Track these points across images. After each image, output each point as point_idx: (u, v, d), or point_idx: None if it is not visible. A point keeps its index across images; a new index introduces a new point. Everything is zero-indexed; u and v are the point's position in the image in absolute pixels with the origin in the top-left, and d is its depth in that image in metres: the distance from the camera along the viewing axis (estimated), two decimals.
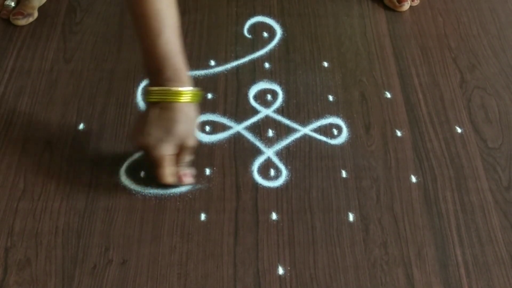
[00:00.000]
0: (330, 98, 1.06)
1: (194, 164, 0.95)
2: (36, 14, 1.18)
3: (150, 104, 0.87)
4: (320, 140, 1.00)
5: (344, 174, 0.96)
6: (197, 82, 1.08)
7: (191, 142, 0.88)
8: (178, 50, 0.87)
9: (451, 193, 0.94)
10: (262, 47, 1.14)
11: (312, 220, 0.90)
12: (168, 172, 0.89)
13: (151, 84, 0.87)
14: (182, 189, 0.92)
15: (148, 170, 0.92)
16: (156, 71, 0.86)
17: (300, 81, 1.09)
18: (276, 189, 0.94)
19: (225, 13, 1.21)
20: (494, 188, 0.94)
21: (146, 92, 0.88)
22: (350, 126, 1.02)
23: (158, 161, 0.87)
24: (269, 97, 1.06)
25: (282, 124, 1.02)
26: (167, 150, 0.87)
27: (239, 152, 0.98)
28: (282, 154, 0.98)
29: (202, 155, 0.97)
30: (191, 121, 0.87)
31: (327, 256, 0.86)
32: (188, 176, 0.91)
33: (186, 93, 0.85)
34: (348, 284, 0.84)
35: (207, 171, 0.95)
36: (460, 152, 0.99)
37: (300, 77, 1.09)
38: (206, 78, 1.09)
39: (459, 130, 1.02)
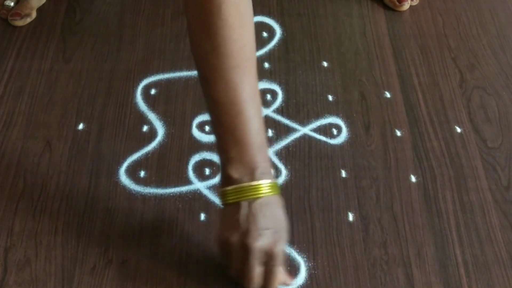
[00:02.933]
0: (330, 98, 1.06)
1: (197, 164, 0.95)
2: (34, 15, 1.18)
3: (235, 204, 0.77)
4: (319, 140, 1.00)
5: (343, 174, 0.96)
6: (196, 81, 1.07)
7: (288, 235, 0.80)
8: (266, 140, 0.80)
9: (451, 192, 0.94)
10: (262, 47, 1.14)
11: (311, 220, 0.90)
12: (281, 276, 0.80)
13: (228, 181, 0.77)
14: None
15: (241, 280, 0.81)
16: (251, 163, 0.77)
17: (299, 81, 1.09)
18: None
19: None
20: (494, 188, 0.94)
21: (224, 194, 0.78)
22: (349, 126, 1.02)
23: (278, 257, 0.77)
24: (268, 97, 1.06)
25: (282, 124, 1.02)
26: (284, 244, 0.78)
27: None
28: (282, 154, 0.98)
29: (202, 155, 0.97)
30: (284, 212, 0.79)
31: (327, 256, 0.86)
32: (291, 276, 0.83)
33: (266, 185, 0.77)
34: (348, 284, 0.84)
35: (207, 171, 0.95)
36: (459, 151, 0.99)
37: (300, 77, 1.09)
38: None
39: (458, 130, 1.02)
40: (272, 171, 0.80)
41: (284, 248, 0.78)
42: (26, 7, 1.18)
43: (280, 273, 0.79)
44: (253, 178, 0.76)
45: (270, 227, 0.76)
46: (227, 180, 0.78)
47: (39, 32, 1.16)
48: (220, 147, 0.79)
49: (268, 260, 0.77)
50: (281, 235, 0.77)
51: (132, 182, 0.94)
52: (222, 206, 0.79)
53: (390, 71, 1.10)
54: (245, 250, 0.76)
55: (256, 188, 0.76)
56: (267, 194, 0.77)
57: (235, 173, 0.77)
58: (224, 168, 0.78)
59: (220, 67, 0.75)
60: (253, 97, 0.77)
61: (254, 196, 0.76)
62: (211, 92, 0.77)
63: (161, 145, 0.99)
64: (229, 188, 0.77)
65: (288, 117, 1.03)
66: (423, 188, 0.94)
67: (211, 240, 0.87)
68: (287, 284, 0.81)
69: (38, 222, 0.89)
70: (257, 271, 0.77)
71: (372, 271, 0.85)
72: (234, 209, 0.77)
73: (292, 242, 0.87)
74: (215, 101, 0.77)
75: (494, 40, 1.17)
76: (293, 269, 0.85)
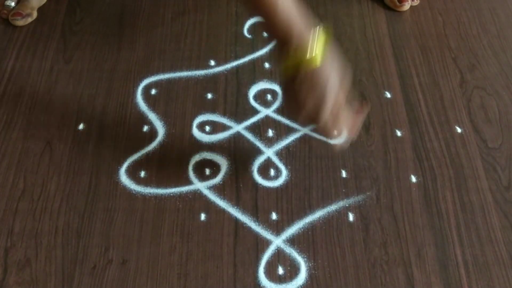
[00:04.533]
0: None
1: (197, 164, 0.96)
2: (35, 15, 1.18)
3: (289, 78, 0.83)
4: (320, 140, 1.00)
5: (344, 174, 0.96)
6: (197, 82, 1.08)
7: (344, 89, 0.85)
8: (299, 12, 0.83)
9: (451, 193, 0.94)
10: (262, 47, 1.14)
11: (312, 220, 0.90)
12: (344, 126, 0.86)
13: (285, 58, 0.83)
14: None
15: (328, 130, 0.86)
16: (284, 38, 0.82)
17: None
18: (276, 189, 0.94)
19: (225, 13, 1.21)
20: (494, 188, 0.94)
21: (283, 69, 0.84)
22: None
23: (339, 108, 0.84)
24: (269, 97, 1.06)
25: (282, 124, 1.02)
26: (331, 109, 0.83)
27: (239, 152, 0.98)
28: (282, 154, 0.98)
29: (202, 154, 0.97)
30: (332, 74, 0.84)
31: (327, 256, 0.86)
32: (359, 111, 0.89)
33: (311, 59, 0.82)
34: (348, 284, 0.84)
35: (207, 171, 0.95)
36: (460, 152, 0.99)
37: None
38: (206, 78, 1.09)
39: (459, 130, 1.02)
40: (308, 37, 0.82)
41: (331, 110, 0.82)
42: (27, 7, 1.18)
43: (337, 128, 0.85)
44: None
45: (307, 102, 0.82)
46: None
47: (40, 32, 1.16)
48: (281, 27, 0.82)
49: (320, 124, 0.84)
50: (322, 105, 0.82)
51: (132, 182, 0.94)
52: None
53: (390, 71, 1.10)
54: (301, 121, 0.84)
55: (296, 65, 0.81)
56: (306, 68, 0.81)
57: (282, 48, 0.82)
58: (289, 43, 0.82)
59: None
60: None
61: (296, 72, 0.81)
62: None
63: (162, 145, 0.99)
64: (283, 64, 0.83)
65: (289, 117, 1.03)
66: (423, 188, 0.94)
67: (211, 240, 0.88)
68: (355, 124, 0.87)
69: (38, 222, 0.89)
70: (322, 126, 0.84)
71: (372, 271, 0.85)
72: (286, 83, 0.84)
73: (292, 242, 0.88)
74: None
75: (495, 40, 1.17)
76: (293, 269, 0.85)
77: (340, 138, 0.90)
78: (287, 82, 0.84)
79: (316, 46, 0.83)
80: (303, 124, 0.89)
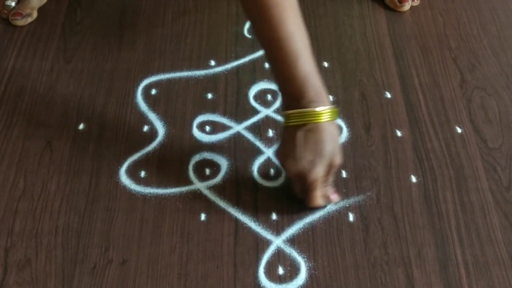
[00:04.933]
0: (330, 98, 1.06)
1: (197, 164, 0.96)
2: (35, 15, 1.19)
3: (290, 127, 0.85)
4: None
5: (344, 174, 0.96)
6: (197, 82, 1.08)
7: (338, 161, 0.86)
8: (316, 69, 0.85)
9: (451, 193, 0.94)
10: None
11: (312, 220, 0.90)
12: (320, 194, 0.87)
13: (288, 107, 0.85)
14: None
15: (294, 197, 0.90)
16: (297, 94, 0.83)
17: None
18: (276, 189, 0.94)
19: (225, 13, 1.21)
20: (494, 188, 0.94)
21: (285, 116, 0.85)
22: (350, 126, 1.02)
23: (313, 184, 0.85)
24: (269, 97, 1.06)
25: (282, 124, 1.02)
26: (320, 172, 0.85)
27: (239, 152, 0.98)
28: None
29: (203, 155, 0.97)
30: (336, 139, 0.86)
31: (327, 256, 0.86)
32: (336, 194, 0.90)
33: (325, 112, 0.84)
34: (348, 284, 0.84)
35: (207, 171, 0.95)
36: (460, 152, 0.99)
37: None
38: (206, 78, 1.09)
39: (459, 130, 1.02)
40: (325, 98, 0.84)
41: (319, 174, 0.84)
42: (27, 7, 1.18)
43: (316, 196, 0.86)
44: (299, 106, 0.83)
45: (306, 156, 0.83)
46: (281, 106, 0.88)
47: (40, 32, 1.16)
48: (273, 79, 0.88)
49: (304, 183, 0.86)
50: (317, 163, 0.84)
51: (132, 182, 0.94)
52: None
53: (390, 72, 1.10)
54: (286, 170, 0.87)
55: (304, 114, 0.83)
56: (317, 121, 0.83)
57: (285, 100, 0.86)
58: (281, 96, 0.87)
59: (262, 7, 0.81)
60: (297, 31, 0.82)
61: (305, 122, 0.83)
62: (257, 31, 0.86)
63: (162, 145, 0.99)
64: (287, 112, 0.85)
65: None
66: (423, 189, 0.94)
67: (211, 240, 0.88)
68: (331, 202, 0.89)
69: (39, 222, 0.89)
70: (297, 187, 0.88)
71: (373, 271, 0.85)
72: (286, 132, 0.86)
73: (293, 242, 0.88)
74: (262, 39, 0.85)
75: (495, 41, 1.17)
76: (293, 269, 0.85)
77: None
78: (287, 129, 0.86)
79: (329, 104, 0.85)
80: (290, 176, 0.88)
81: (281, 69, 0.84)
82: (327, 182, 0.88)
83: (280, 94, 0.87)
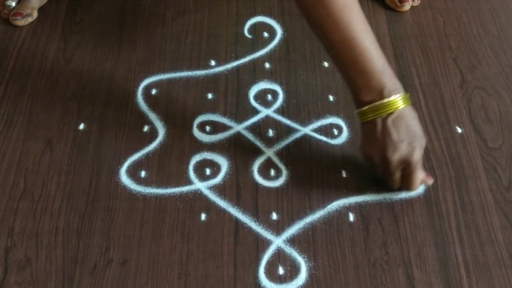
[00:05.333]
0: (331, 98, 1.06)
1: (197, 164, 0.96)
2: (35, 15, 1.19)
3: (373, 121, 0.87)
4: (320, 140, 1.00)
5: (344, 174, 0.96)
6: (197, 82, 1.08)
7: (425, 141, 0.89)
8: (386, 60, 0.89)
9: (451, 193, 0.94)
10: (263, 47, 1.14)
11: (312, 220, 0.90)
12: (421, 176, 0.90)
13: (367, 102, 0.87)
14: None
15: (391, 183, 0.92)
16: (378, 86, 0.86)
17: (300, 81, 1.09)
18: (276, 189, 0.94)
19: (225, 13, 1.21)
20: (494, 188, 0.94)
21: (371, 110, 0.87)
22: (350, 126, 1.02)
23: (416, 166, 0.88)
24: (269, 97, 1.06)
25: (283, 124, 1.02)
26: (420, 153, 0.88)
27: (239, 152, 0.98)
28: (283, 154, 0.98)
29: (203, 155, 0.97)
30: (418, 121, 0.89)
31: (327, 256, 0.86)
32: (429, 176, 0.93)
33: (405, 98, 0.88)
34: (348, 284, 0.84)
35: (207, 171, 0.95)
36: (460, 152, 0.99)
37: (301, 77, 1.09)
38: (207, 78, 1.09)
39: (459, 130, 1.02)
40: (400, 85, 0.88)
41: (420, 155, 0.88)
42: (27, 7, 1.18)
43: (418, 177, 0.90)
44: (382, 97, 0.86)
45: (404, 139, 0.86)
46: (361, 103, 0.88)
47: (40, 32, 1.16)
48: (347, 80, 0.89)
49: (406, 167, 0.88)
50: (415, 145, 0.87)
51: (132, 182, 0.94)
52: (361, 125, 0.91)
53: None
54: (385, 162, 0.88)
55: (387, 105, 0.86)
56: (398, 108, 0.86)
57: (366, 97, 0.87)
58: (355, 95, 0.89)
59: (329, 12, 0.85)
60: (364, 29, 0.87)
61: (387, 112, 0.86)
62: (327, 35, 0.87)
63: (162, 145, 0.99)
64: (364, 108, 0.87)
65: (289, 117, 1.03)
66: (423, 189, 0.94)
67: (211, 240, 0.88)
68: (427, 183, 0.93)
69: (39, 222, 0.89)
70: (397, 175, 0.90)
71: (373, 271, 0.85)
72: (371, 126, 0.88)
73: (293, 242, 0.88)
74: (332, 43, 0.87)
75: (495, 40, 1.17)
76: (293, 269, 0.85)
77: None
78: (374, 124, 0.87)
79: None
80: (392, 167, 0.89)
81: (358, 66, 0.86)
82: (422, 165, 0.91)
83: (353, 93, 0.89)
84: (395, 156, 0.87)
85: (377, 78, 0.86)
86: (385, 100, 0.86)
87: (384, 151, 0.87)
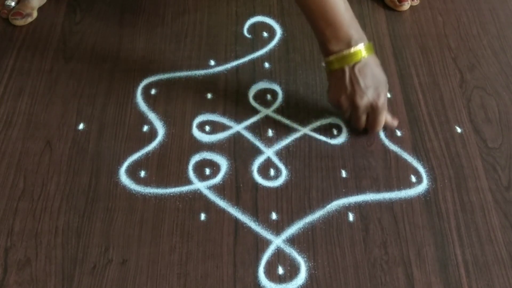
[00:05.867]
0: None
1: (197, 164, 0.96)
2: (35, 14, 1.19)
3: (340, 70, 0.94)
4: (320, 140, 1.00)
5: (344, 174, 0.96)
6: (197, 81, 1.08)
7: (388, 86, 0.96)
8: (352, 13, 0.95)
9: (451, 193, 0.94)
10: (262, 47, 1.14)
11: (312, 220, 0.90)
12: (385, 119, 0.98)
13: (334, 52, 0.93)
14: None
15: (354, 124, 0.98)
16: (345, 37, 0.92)
17: (300, 81, 1.09)
18: (276, 189, 0.94)
19: (225, 13, 1.21)
20: (494, 188, 0.94)
21: (338, 59, 0.93)
22: (350, 126, 1.02)
23: (381, 109, 0.95)
24: (269, 97, 1.06)
25: (282, 124, 1.02)
26: (384, 97, 0.95)
27: (239, 152, 0.98)
28: (282, 154, 0.98)
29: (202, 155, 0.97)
30: (381, 68, 0.96)
31: (327, 256, 0.86)
32: (394, 118, 1.00)
33: (370, 47, 0.94)
34: (348, 284, 0.84)
35: (207, 171, 0.95)
36: (460, 152, 0.99)
37: (300, 77, 1.09)
38: (206, 78, 1.09)
39: (459, 130, 1.02)
40: (364, 36, 0.94)
41: (384, 99, 0.95)
42: (27, 6, 1.18)
43: (382, 120, 0.97)
44: (350, 47, 0.92)
45: (370, 85, 0.93)
46: (328, 52, 0.94)
47: (40, 32, 1.16)
48: (316, 31, 0.95)
49: (372, 111, 0.95)
50: (380, 90, 0.94)
51: (132, 182, 0.94)
52: (327, 73, 0.97)
53: (390, 71, 1.10)
54: (352, 107, 0.95)
55: (354, 54, 0.92)
56: (364, 57, 0.93)
57: (335, 47, 0.93)
58: (324, 45, 0.95)
59: None
60: None
61: (354, 61, 0.93)
62: None
63: (162, 145, 0.99)
64: (332, 57, 0.94)
65: (289, 117, 1.03)
66: (423, 189, 0.94)
67: (211, 240, 0.88)
68: (392, 125, 1.00)
69: (39, 222, 0.89)
70: (363, 119, 0.97)
71: (372, 271, 0.85)
72: (339, 74, 0.94)
73: (292, 242, 0.88)
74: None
75: (494, 40, 1.17)
76: (293, 269, 0.85)
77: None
78: (342, 72, 0.94)
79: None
80: (359, 111, 0.96)
81: (327, 19, 0.92)
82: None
83: (321, 45, 0.95)
84: (363, 102, 0.94)
85: (345, 29, 0.92)
86: (352, 50, 0.92)
87: (353, 97, 0.94)
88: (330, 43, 0.93)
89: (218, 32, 1.17)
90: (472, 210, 0.92)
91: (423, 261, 0.86)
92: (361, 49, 0.92)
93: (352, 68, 0.93)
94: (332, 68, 0.95)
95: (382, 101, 0.95)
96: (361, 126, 0.98)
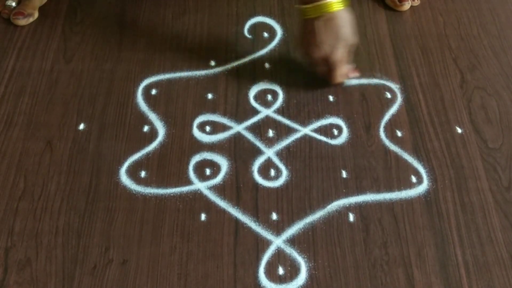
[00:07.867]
0: (330, 98, 1.06)
1: (197, 164, 0.96)
2: (36, 14, 1.19)
3: (309, 20, 0.98)
4: (320, 140, 1.00)
5: (344, 174, 0.96)
6: (197, 82, 1.08)
7: (354, 41, 1.00)
8: None
9: (451, 193, 0.94)
10: (263, 47, 1.14)
11: (312, 221, 0.90)
12: (341, 73, 1.02)
13: (305, 2, 0.98)
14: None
15: (318, 75, 1.04)
16: None
17: (300, 81, 1.09)
18: (276, 189, 0.94)
19: (225, 13, 1.21)
20: (494, 188, 0.94)
21: (305, 10, 0.98)
22: (350, 126, 1.02)
23: (335, 64, 1.00)
24: (269, 97, 1.06)
25: (283, 124, 1.02)
26: (340, 53, 0.99)
27: (239, 152, 0.98)
28: (283, 154, 0.98)
29: (202, 155, 0.97)
30: (350, 23, 0.99)
31: (327, 256, 0.86)
32: (354, 71, 1.05)
33: (338, 2, 0.97)
34: (348, 284, 0.84)
35: (207, 171, 0.95)
36: (460, 152, 0.99)
37: (300, 77, 1.09)
38: (207, 78, 1.09)
39: (459, 130, 1.02)
40: None
41: (340, 55, 0.99)
42: (28, 6, 1.18)
43: (337, 74, 1.02)
44: (315, 0, 0.96)
45: (326, 41, 0.98)
46: (305, 1, 0.98)
47: (40, 32, 1.16)
48: None
49: (328, 64, 1.01)
50: (337, 46, 0.98)
51: (132, 182, 0.94)
52: (300, 21, 1.01)
53: (390, 72, 1.10)
54: (309, 58, 1.02)
55: (317, 7, 0.96)
56: (330, 10, 0.96)
57: None
58: None
59: None
60: None
61: (327, 11, 0.97)
62: None
63: (162, 145, 0.99)
64: (308, 6, 0.97)
65: (289, 117, 1.03)
66: (423, 189, 0.94)
67: (211, 240, 0.88)
68: (351, 77, 1.06)
69: (39, 222, 0.89)
70: (320, 69, 1.03)
71: (373, 271, 0.85)
72: (307, 24, 0.99)
73: (293, 242, 0.88)
74: None
75: (495, 41, 1.17)
76: (293, 270, 0.85)
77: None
78: (306, 22, 0.98)
79: None
80: (315, 61, 1.01)
81: None
82: (346, 62, 1.02)
83: None
84: (315, 55, 1.00)
85: None
86: (319, 3, 0.96)
87: (308, 48, 1.00)
88: None
89: (219, 33, 1.17)
90: (472, 211, 0.92)
91: (423, 261, 0.86)
92: (329, 2, 0.96)
93: (317, 21, 0.97)
94: (304, 16, 0.98)
95: (336, 57, 0.99)
96: (319, 75, 1.04)
